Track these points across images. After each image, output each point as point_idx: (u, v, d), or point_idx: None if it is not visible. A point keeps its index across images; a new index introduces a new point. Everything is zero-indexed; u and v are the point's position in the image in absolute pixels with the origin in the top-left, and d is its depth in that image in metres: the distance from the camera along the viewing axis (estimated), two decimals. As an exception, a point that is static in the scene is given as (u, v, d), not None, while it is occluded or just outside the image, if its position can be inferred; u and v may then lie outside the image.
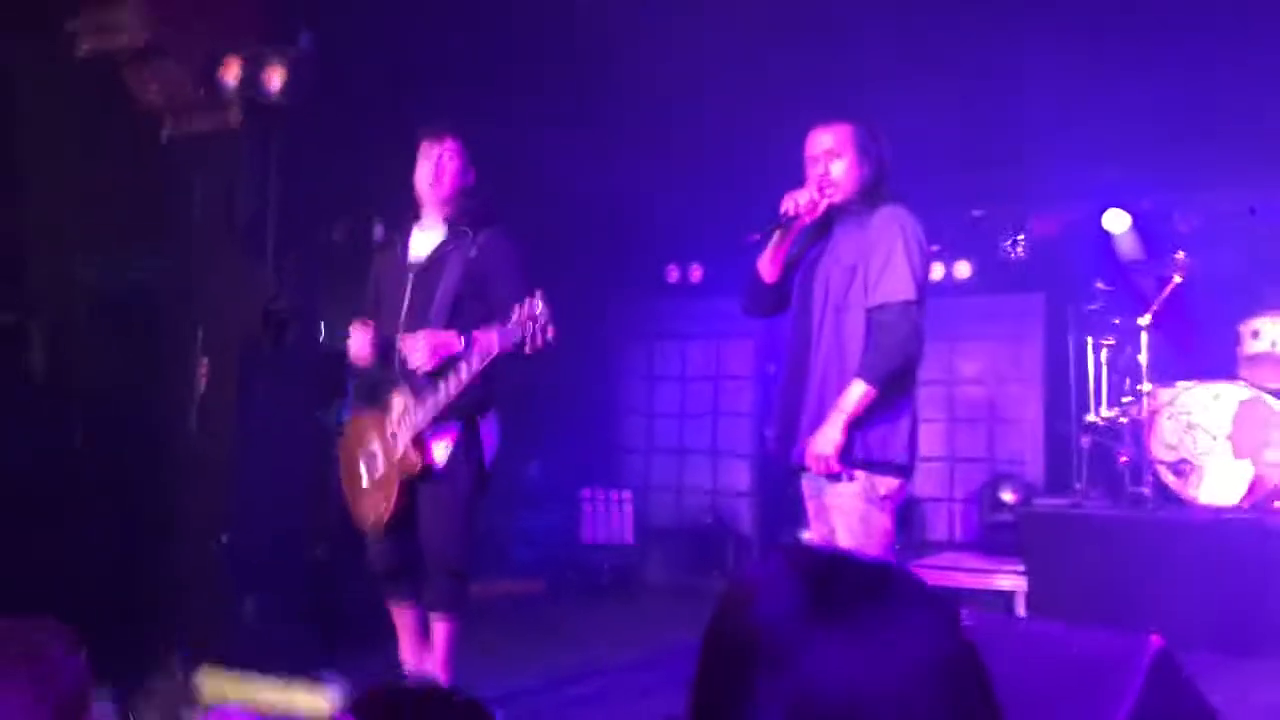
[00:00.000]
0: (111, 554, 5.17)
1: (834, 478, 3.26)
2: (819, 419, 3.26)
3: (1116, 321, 6.21)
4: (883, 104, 5.73)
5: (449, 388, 3.60)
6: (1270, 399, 5.72)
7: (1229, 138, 6.78)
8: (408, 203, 4.06)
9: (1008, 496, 7.05)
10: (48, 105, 5.50)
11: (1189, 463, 5.75)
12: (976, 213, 7.60)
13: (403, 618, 4.00)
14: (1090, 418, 6.24)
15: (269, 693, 3.19)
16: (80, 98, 5.23)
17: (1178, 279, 6.00)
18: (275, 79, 4.65)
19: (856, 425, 3.21)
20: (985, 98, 6.23)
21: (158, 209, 5.16)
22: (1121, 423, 6.09)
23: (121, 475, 5.29)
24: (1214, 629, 5.14)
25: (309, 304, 4.83)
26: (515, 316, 3.38)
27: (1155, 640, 2.30)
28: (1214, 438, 5.74)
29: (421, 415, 3.66)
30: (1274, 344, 5.76)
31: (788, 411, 3.40)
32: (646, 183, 7.28)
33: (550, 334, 3.36)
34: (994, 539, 6.67)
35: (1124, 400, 6.11)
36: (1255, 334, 5.86)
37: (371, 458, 3.84)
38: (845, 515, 3.28)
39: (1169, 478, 5.80)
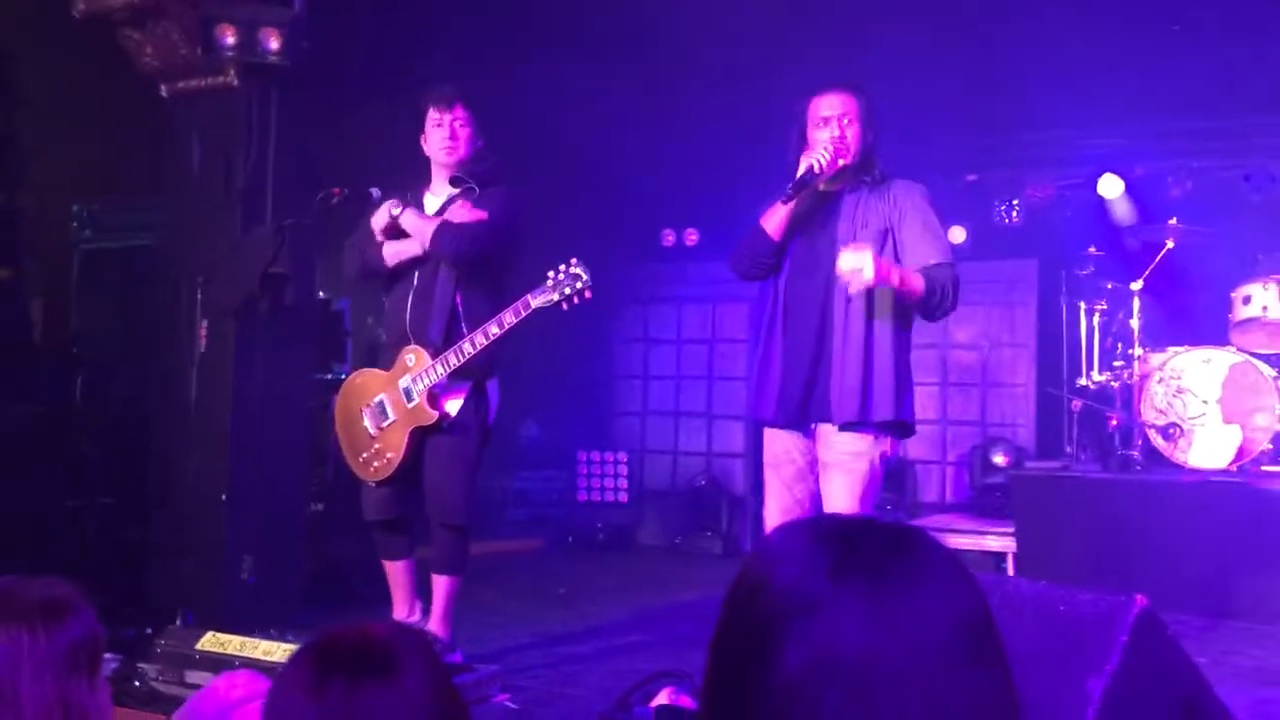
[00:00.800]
0: (113, 512, 5.23)
1: (849, 427, 3.31)
2: (848, 374, 3.31)
3: (1109, 286, 6.25)
4: (880, 69, 5.74)
5: (478, 340, 3.67)
6: (1260, 364, 5.78)
7: (1222, 105, 6.80)
8: (407, 165, 4.09)
9: (999, 459, 7.13)
10: (45, 65, 5.49)
11: (1178, 426, 5.81)
12: (971, 177, 7.61)
13: (396, 574, 4.06)
14: (1082, 382, 6.30)
15: (273, 654, 3.24)
16: (77, 57, 5.22)
17: (1170, 245, 6.04)
18: (272, 39, 4.64)
19: (876, 385, 3.31)
20: (981, 63, 6.23)
21: (157, 169, 5.17)
22: (1113, 387, 6.15)
23: (122, 434, 5.35)
24: (1200, 591, 5.22)
25: (307, 266, 4.84)
26: (553, 277, 3.62)
27: (1140, 600, 2.36)
28: (1204, 402, 5.80)
29: (443, 366, 3.73)
30: (1265, 309, 5.80)
31: (796, 372, 3.42)
32: (643, 147, 7.29)
33: (589, 295, 3.63)
34: (985, 501, 6.75)
35: (1115, 364, 6.17)
36: (1246, 300, 5.90)
37: (378, 409, 3.89)
38: (850, 474, 3.34)
39: (1158, 441, 5.86)
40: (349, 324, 6.37)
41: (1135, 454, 5.88)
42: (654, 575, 6.76)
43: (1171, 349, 5.99)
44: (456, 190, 3.94)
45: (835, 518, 1.01)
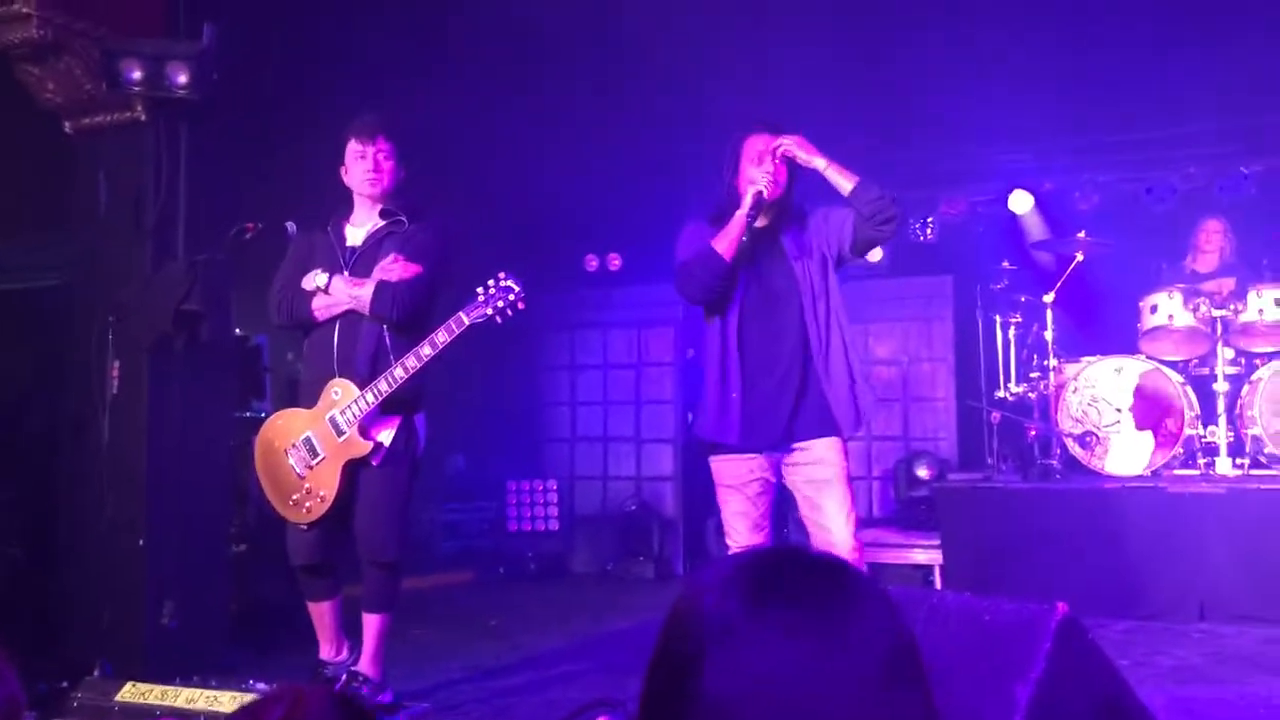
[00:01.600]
0: (26, 561, 5.06)
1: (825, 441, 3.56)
2: (840, 391, 3.57)
3: (1023, 300, 6.41)
4: (796, 89, 5.86)
5: (410, 363, 3.62)
6: (1169, 371, 5.96)
7: (1124, 121, 7.04)
8: (324, 196, 4.04)
9: (923, 472, 7.24)
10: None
11: (1094, 434, 5.96)
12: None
13: (322, 615, 3.97)
14: (1000, 394, 6.43)
15: (196, 702, 3.15)
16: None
17: (1079, 257, 6.21)
18: (180, 74, 4.56)
19: (845, 396, 3.58)
20: (893, 83, 6.37)
21: (62, 208, 5.04)
22: (1030, 398, 6.29)
23: (33, 480, 5.18)
24: (1121, 594, 5.35)
25: (222, 302, 4.75)
26: (484, 293, 3.61)
27: (1061, 608, 2.40)
28: (1117, 410, 5.96)
29: (374, 395, 3.67)
30: (1171, 318, 5.99)
31: (773, 397, 3.60)
32: (564, 173, 7.30)
33: (522, 305, 3.63)
34: (911, 514, 6.85)
35: (1032, 376, 6.31)
36: (1153, 309, 6.09)
37: (306, 448, 3.78)
38: (835, 485, 3.57)
39: (1076, 450, 6.01)
40: (267, 360, 6.26)
41: (1054, 463, 6.01)
42: (587, 603, 6.72)
43: (1084, 359, 6.15)
44: (384, 222, 3.89)
45: (763, 550, 1.02)
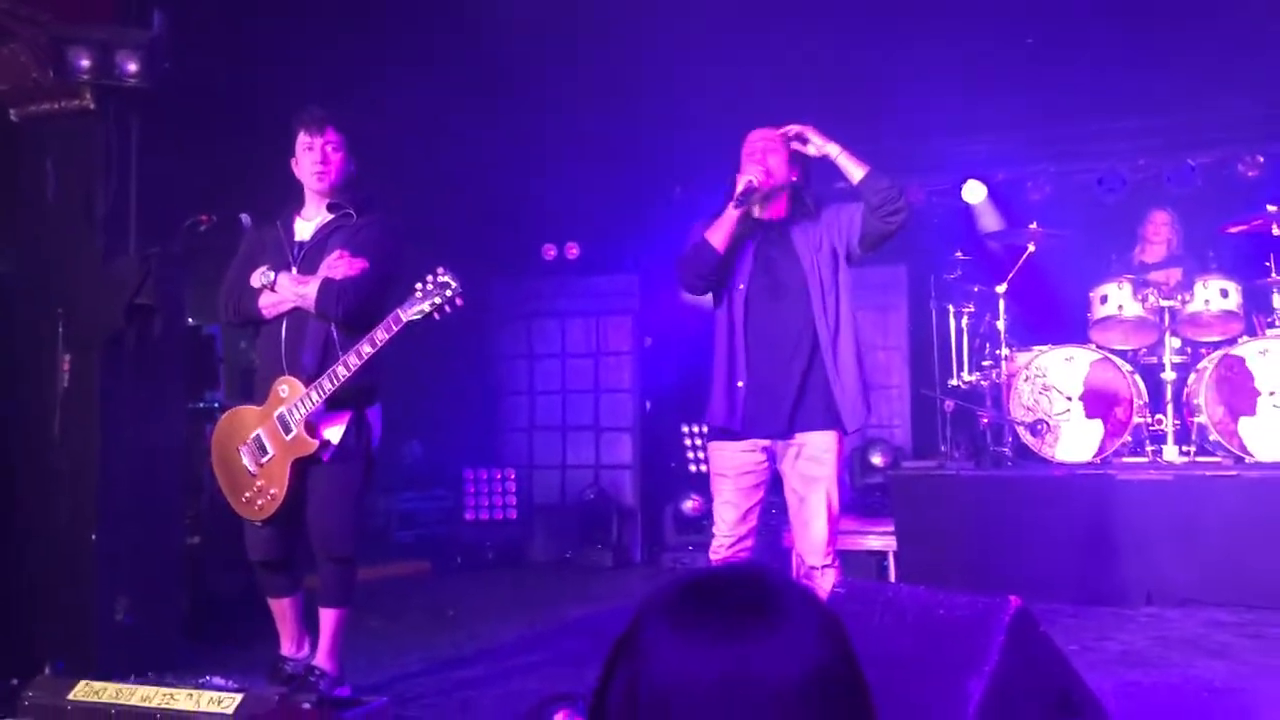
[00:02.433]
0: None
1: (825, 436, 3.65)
2: (849, 386, 3.66)
3: (976, 289, 6.49)
4: (752, 77, 5.87)
5: (351, 361, 3.59)
6: (1118, 360, 6.07)
7: (1076, 112, 7.13)
8: (278, 188, 4.00)
9: (877, 460, 7.32)
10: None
11: (1045, 423, 6.06)
12: (841, 184, 7.79)
13: (282, 611, 3.95)
14: (953, 382, 6.51)
15: (151, 700, 3.12)
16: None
17: (1031, 248, 6.29)
18: (130, 62, 4.48)
19: (855, 392, 3.67)
20: (850, 73, 6.40)
21: (8, 197, 4.94)
22: (982, 386, 6.37)
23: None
24: (1071, 579, 5.46)
25: (176, 296, 4.68)
26: (421, 288, 3.55)
27: (1014, 601, 2.46)
28: (1068, 398, 6.06)
29: (318, 393, 3.64)
30: (1120, 308, 6.10)
31: (777, 389, 3.68)
32: (522, 162, 7.27)
33: (460, 302, 3.56)
34: (866, 501, 6.92)
35: (984, 364, 6.40)
36: (1103, 299, 6.19)
37: (256, 446, 3.77)
38: (827, 482, 3.67)
39: (1027, 438, 6.10)
40: (221, 350, 6.20)
41: (1006, 450, 6.11)
42: (545, 592, 6.74)
43: (1036, 348, 6.24)
44: (331, 216, 3.86)
45: (707, 576, 1.04)
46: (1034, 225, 6.31)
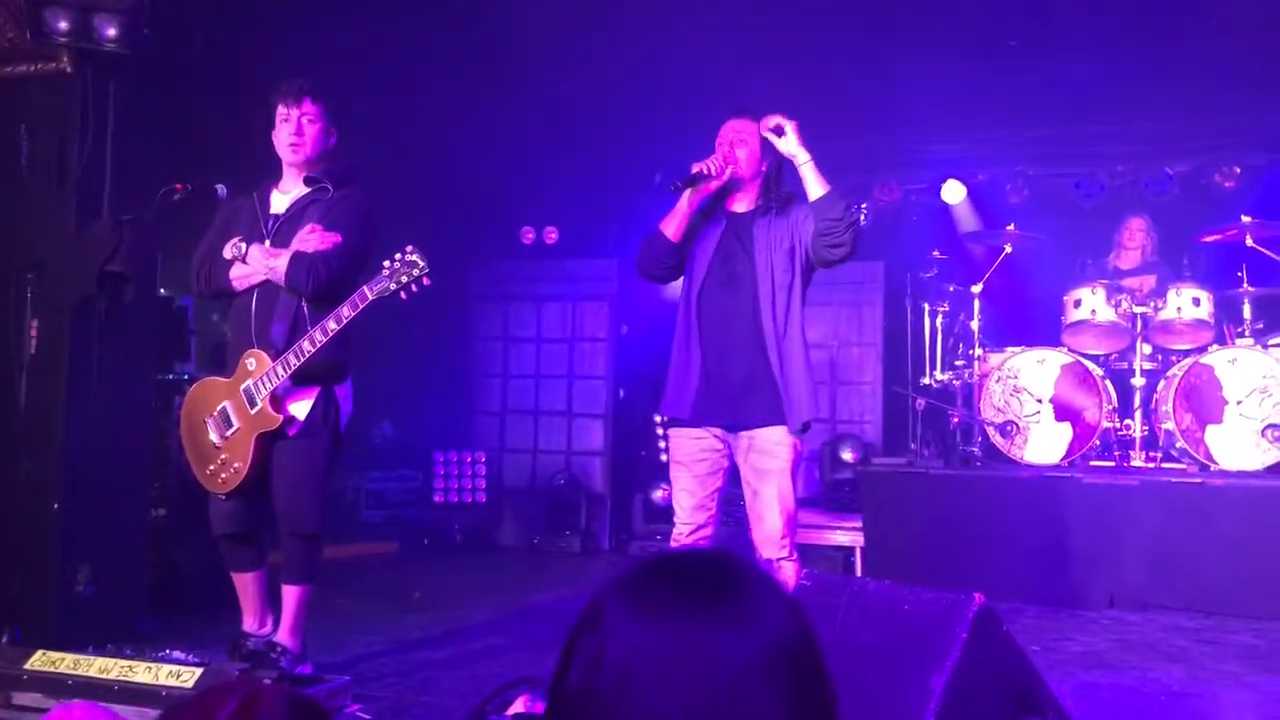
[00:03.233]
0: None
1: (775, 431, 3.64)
2: (794, 382, 3.66)
3: (951, 289, 6.52)
4: (732, 72, 5.86)
5: (317, 337, 3.57)
6: (1090, 364, 6.11)
7: (1055, 115, 7.16)
8: (255, 160, 3.96)
9: (847, 455, 7.34)
10: None
11: (1015, 424, 6.10)
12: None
13: (246, 585, 3.93)
14: (925, 380, 6.54)
15: (109, 671, 3.10)
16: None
17: (1008, 249, 6.32)
18: (110, 26, 4.42)
19: (811, 390, 3.69)
20: (830, 69, 6.40)
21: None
22: (954, 385, 6.41)
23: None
24: (1035, 580, 5.51)
25: (148, 264, 4.63)
26: (389, 266, 3.53)
27: (978, 598, 2.47)
28: (1038, 401, 6.10)
29: (284, 368, 3.62)
30: (1094, 313, 6.14)
31: (726, 380, 3.69)
32: (503, 144, 7.23)
33: (427, 281, 3.53)
34: (835, 496, 6.95)
35: (957, 364, 6.43)
36: (1077, 303, 6.23)
37: (222, 419, 3.75)
38: (779, 475, 3.66)
39: (997, 438, 6.14)
40: (193, 322, 6.14)
41: (975, 450, 6.14)
42: (512, 576, 6.73)
43: (1009, 349, 6.27)
44: (308, 189, 3.83)
45: (668, 555, 1.05)
46: (1011, 227, 6.34)
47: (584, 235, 8.16)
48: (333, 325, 3.56)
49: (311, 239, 3.70)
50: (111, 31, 4.42)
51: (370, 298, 3.54)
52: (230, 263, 3.76)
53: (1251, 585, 5.19)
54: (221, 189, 3.95)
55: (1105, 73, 6.48)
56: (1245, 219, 5.94)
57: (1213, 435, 5.71)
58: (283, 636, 3.82)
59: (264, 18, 5.32)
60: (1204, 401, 5.75)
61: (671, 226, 3.71)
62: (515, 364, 8.28)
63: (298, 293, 3.70)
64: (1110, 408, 6.03)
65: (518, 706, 2.20)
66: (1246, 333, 5.95)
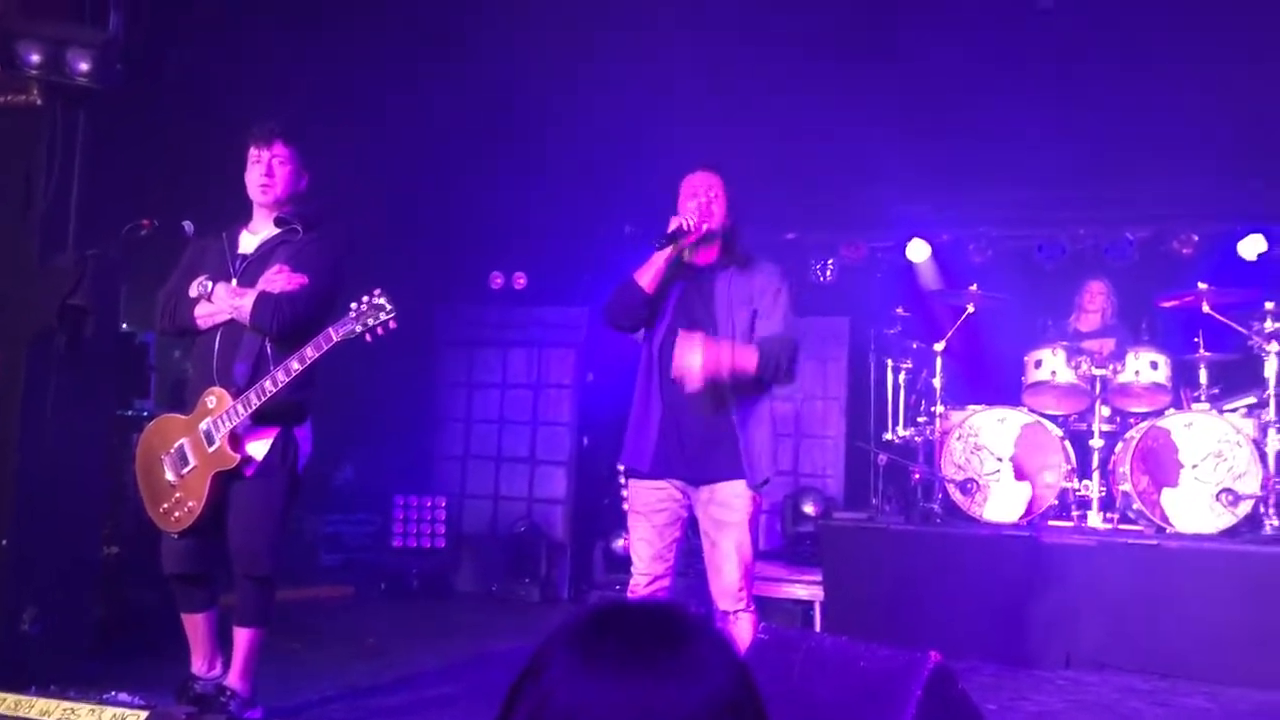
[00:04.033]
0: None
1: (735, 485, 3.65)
2: (755, 439, 3.69)
3: (915, 346, 6.58)
4: (705, 127, 5.94)
5: (279, 377, 3.54)
6: (1049, 424, 6.17)
7: (1019, 179, 7.30)
8: (224, 196, 3.96)
9: (809, 508, 7.35)
10: None
11: (975, 482, 6.13)
12: (790, 235, 7.91)
13: (195, 627, 3.87)
14: (888, 436, 6.58)
15: (51, 713, 3.03)
16: None
17: (971, 309, 6.40)
18: (82, 61, 4.42)
19: (770, 447, 3.72)
20: (802, 130, 6.51)
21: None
22: (916, 441, 6.45)
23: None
24: (994, 638, 5.51)
25: (111, 300, 4.60)
26: (355, 309, 3.52)
27: (934, 656, 2.48)
28: (998, 459, 6.15)
29: (244, 407, 3.59)
30: (1054, 374, 6.22)
31: (687, 434, 3.70)
32: (475, 190, 7.27)
33: (393, 324, 3.54)
34: (796, 549, 6.95)
35: (919, 420, 6.48)
36: (1037, 364, 6.31)
37: (178, 456, 3.71)
38: (738, 528, 3.67)
39: (957, 495, 6.17)
40: (154, 358, 6.08)
41: (935, 507, 6.17)
42: (468, 623, 6.65)
43: (970, 407, 6.33)
44: (278, 230, 3.83)
45: (611, 605, 1.05)
46: (974, 287, 6.42)
47: (553, 282, 8.18)
48: (295, 365, 3.55)
49: (278, 279, 3.69)
50: (84, 66, 4.42)
51: (335, 339, 3.54)
52: (195, 301, 3.75)
53: (1205, 648, 5.22)
54: (188, 226, 3.95)
55: (1066, 138, 6.62)
56: (1202, 285, 6.05)
57: (1168, 498, 5.77)
58: (232, 680, 3.75)
59: (235, 53, 5.34)
60: (1160, 464, 5.82)
61: (647, 278, 3.73)
62: (479, 409, 8.24)
63: (262, 332, 3.68)
64: (1069, 468, 6.09)
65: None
66: (1203, 397, 6.04)
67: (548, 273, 8.19)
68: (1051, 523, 6.04)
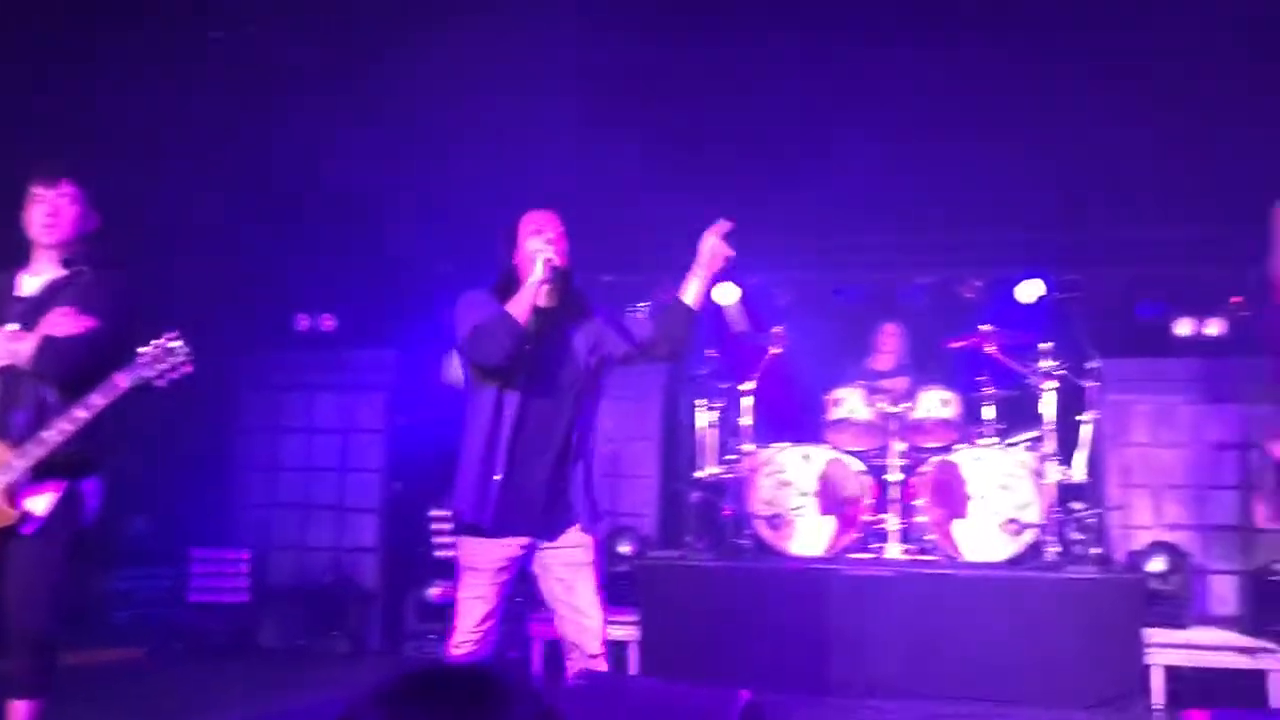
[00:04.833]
0: None
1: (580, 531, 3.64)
2: (588, 488, 3.67)
3: (723, 387, 6.76)
4: (512, 163, 5.97)
5: (63, 427, 3.32)
6: (850, 460, 6.44)
7: (821, 224, 7.63)
8: (7, 241, 3.71)
9: (625, 548, 7.39)
10: None
11: (782, 517, 6.33)
12: (607, 278, 7.99)
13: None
14: (700, 474, 6.73)
15: None
16: None
17: (776, 350, 6.63)
18: None
19: (598, 490, 3.71)
20: (607, 171, 6.61)
21: None
22: (727, 479, 6.61)
23: None
24: (804, 670, 5.69)
25: None
26: (147, 353, 3.36)
27: (744, 695, 2.54)
28: (803, 494, 6.37)
29: (23, 459, 3.35)
30: (852, 412, 6.51)
31: (538, 485, 3.60)
32: (278, 231, 7.06)
33: (188, 369, 3.38)
34: (612, 590, 6.91)
35: (728, 459, 6.65)
36: (838, 402, 6.59)
37: (-52, 516, 3.42)
38: (589, 570, 3.63)
39: (765, 531, 6.35)
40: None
41: (745, 543, 6.33)
42: (274, 679, 6.37)
43: (776, 445, 6.54)
44: (64, 272, 3.61)
45: (428, 668, 1.05)
46: (778, 329, 6.66)
47: (361, 323, 8.00)
48: (81, 414, 3.34)
49: (63, 323, 3.48)
50: None
51: (124, 386, 3.36)
52: None
53: (997, 671, 5.53)
54: (-39, 268, 3.67)
55: (857, 185, 6.94)
56: (984, 328, 6.47)
57: (959, 528, 6.10)
58: (8, 758, 3.47)
59: (25, 85, 5.05)
60: (952, 496, 6.16)
61: (522, 311, 3.52)
62: (285, 456, 7.95)
63: (45, 379, 3.46)
64: (869, 502, 6.36)
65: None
66: (989, 433, 6.43)
67: (356, 314, 8.00)
68: (854, 555, 6.28)
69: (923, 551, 6.27)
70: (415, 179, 6.72)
